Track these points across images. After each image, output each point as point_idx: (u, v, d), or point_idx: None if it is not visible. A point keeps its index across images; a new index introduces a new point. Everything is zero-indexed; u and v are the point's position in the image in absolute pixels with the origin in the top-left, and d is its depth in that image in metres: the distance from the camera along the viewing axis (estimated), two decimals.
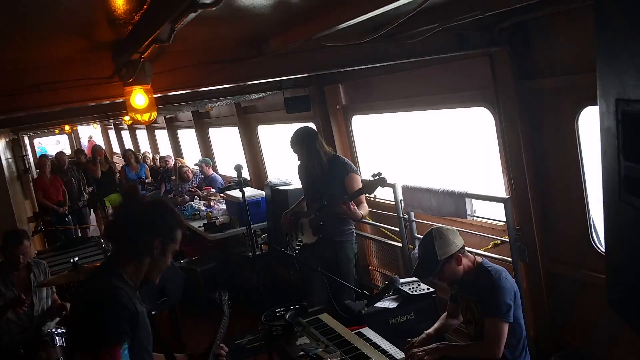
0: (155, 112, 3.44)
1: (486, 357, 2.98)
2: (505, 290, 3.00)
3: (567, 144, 3.49)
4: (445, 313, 3.50)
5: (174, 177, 10.65)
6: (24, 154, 8.36)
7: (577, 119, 3.40)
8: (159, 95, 3.54)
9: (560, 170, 3.62)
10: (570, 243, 3.69)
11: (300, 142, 4.58)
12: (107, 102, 3.64)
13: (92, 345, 2.05)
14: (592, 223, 3.52)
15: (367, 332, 3.41)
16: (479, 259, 3.22)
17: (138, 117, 3.36)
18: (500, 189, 4.20)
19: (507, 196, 3.93)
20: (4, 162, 6.37)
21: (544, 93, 3.58)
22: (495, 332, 2.97)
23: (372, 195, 4.24)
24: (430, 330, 3.38)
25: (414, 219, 4.95)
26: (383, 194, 5.33)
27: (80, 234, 9.17)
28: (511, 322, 3.00)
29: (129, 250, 2.23)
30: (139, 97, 3.16)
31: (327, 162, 4.57)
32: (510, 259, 3.91)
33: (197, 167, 9.51)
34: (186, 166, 9.69)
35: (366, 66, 3.88)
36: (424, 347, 3.01)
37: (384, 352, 3.10)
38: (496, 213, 4.20)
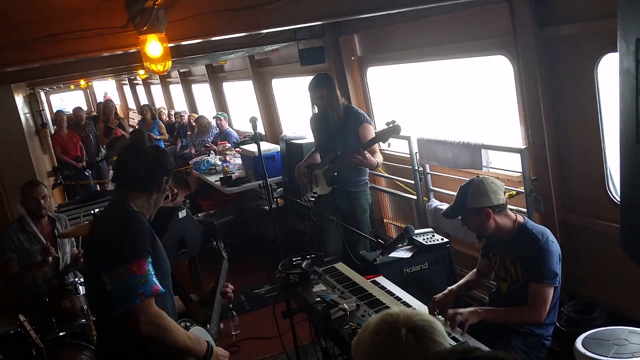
0: (170, 62, 3.42)
1: (531, 321, 2.94)
2: (552, 255, 2.90)
3: (586, 93, 3.43)
4: (475, 270, 3.41)
5: (189, 132, 10.69)
6: (41, 108, 8.39)
7: (597, 67, 3.33)
8: (172, 44, 3.52)
9: (578, 120, 3.57)
10: (586, 193, 3.67)
11: (322, 84, 4.52)
12: (122, 51, 3.63)
13: (120, 261, 2.21)
14: (608, 173, 3.49)
15: (382, 280, 3.45)
16: (521, 218, 3.08)
17: (153, 66, 3.35)
18: (516, 139, 4.16)
19: (524, 146, 3.90)
20: (22, 117, 6.41)
21: (564, 40, 3.50)
22: (541, 297, 2.89)
23: (386, 143, 4.20)
24: (454, 286, 3.31)
25: (429, 171, 4.94)
26: (398, 147, 5.31)
27: (99, 189, 9.29)
28: (557, 286, 2.93)
29: (139, 187, 2.43)
30: (153, 45, 3.14)
31: (342, 112, 4.55)
32: (525, 210, 3.90)
33: (213, 120, 9.55)
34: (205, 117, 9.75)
35: (382, 12, 3.80)
36: (462, 310, 2.89)
37: (398, 299, 3.14)
38: (512, 164, 4.18)
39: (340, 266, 3.65)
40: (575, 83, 3.51)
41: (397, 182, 5.49)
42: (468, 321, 2.81)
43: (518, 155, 3.89)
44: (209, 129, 9.61)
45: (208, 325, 2.70)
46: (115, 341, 2.38)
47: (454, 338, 2.67)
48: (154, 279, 2.25)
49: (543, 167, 3.79)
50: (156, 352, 2.30)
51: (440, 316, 2.94)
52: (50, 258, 4.34)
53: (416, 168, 4.98)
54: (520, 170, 3.92)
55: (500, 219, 3.02)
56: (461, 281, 3.40)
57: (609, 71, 3.30)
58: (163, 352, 2.31)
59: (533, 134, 3.80)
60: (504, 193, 3.11)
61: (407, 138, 4.96)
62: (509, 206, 3.91)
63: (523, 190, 3.92)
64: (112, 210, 2.49)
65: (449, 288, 3.27)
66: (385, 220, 6.00)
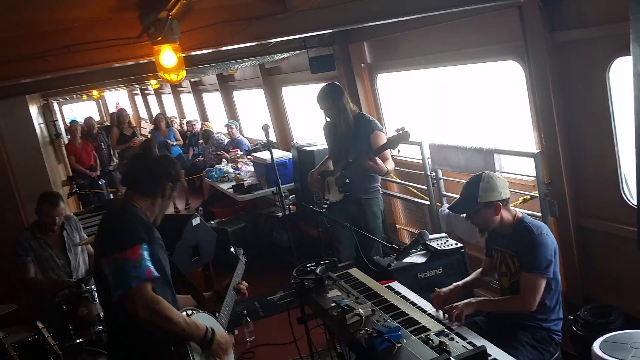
0: (184, 72, 3.46)
1: (520, 309, 3.00)
2: (546, 246, 2.98)
3: (598, 96, 3.43)
4: (480, 269, 3.48)
5: (201, 141, 10.77)
6: (55, 119, 8.49)
7: (609, 71, 3.33)
8: (185, 54, 3.56)
9: (591, 123, 3.56)
10: (600, 197, 3.66)
11: (328, 96, 4.56)
12: (136, 62, 3.68)
13: (116, 247, 2.37)
14: (623, 176, 3.48)
15: (397, 286, 3.45)
16: (520, 214, 3.18)
17: (167, 76, 3.39)
18: (529, 144, 4.16)
19: (537, 151, 3.90)
20: (37, 127, 6.51)
21: (575, 44, 3.51)
22: (532, 286, 2.96)
23: (395, 149, 4.24)
24: (460, 282, 3.38)
25: (441, 176, 4.95)
26: (410, 153, 5.32)
27: (112, 197, 9.37)
28: (550, 278, 2.98)
29: (144, 191, 2.60)
30: (167, 55, 3.18)
31: (353, 120, 4.57)
32: (540, 214, 3.90)
33: (225, 129, 9.64)
34: (216, 132, 9.86)
35: (391, 20, 3.83)
36: (457, 303, 2.99)
37: (413, 304, 3.14)
38: (525, 169, 4.18)
39: (355, 272, 3.65)
40: (587, 87, 3.51)
41: (410, 188, 5.50)
42: (463, 312, 2.93)
43: (531, 160, 3.89)
44: (216, 140, 9.73)
45: (217, 314, 2.81)
46: (116, 326, 2.54)
47: (457, 333, 2.70)
48: (148, 263, 2.37)
49: (557, 171, 3.78)
50: (157, 336, 2.41)
51: (440, 311, 3.04)
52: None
53: (428, 173, 4.98)
54: (534, 175, 3.91)
55: (504, 214, 3.13)
56: (467, 278, 3.49)
57: (620, 75, 3.29)
58: (163, 336, 2.42)
59: (546, 138, 3.80)
60: (508, 188, 3.19)
61: (419, 144, 4.97)
62: (524, 211, 3.94)
63: (537, 195, 3.91)
64: (114, 205, 2.65)
65: (455, 284, 3.34)
66: (398, 226, 6.00)
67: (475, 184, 3.13)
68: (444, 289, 3.26)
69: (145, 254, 2.39)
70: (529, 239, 3.02)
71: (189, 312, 2.64)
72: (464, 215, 3.31)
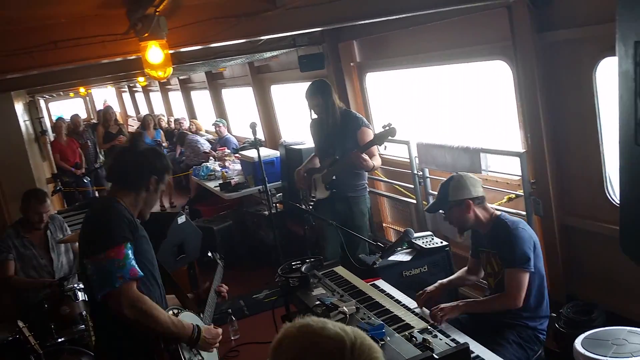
0: (171, 69, 3.43)
1: (507, 307, 3.01)
2: (523, 240, 3.01)
3: (584, 96, 3.46)
4: (465, 268, 3.51)
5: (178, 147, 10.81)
6: (41, 116, 8.42)
7: (595, 71, 3.36)
8: (173, 51, 3.54)
9: (577, 123, 3.60)
10: (585, 196, 3.69)
11: (318, 93, 4.56)
12: (122, 58, 3.65)
13: (100, 248, 2.34)
14: (607, 176, 3.51)
15: (382, 283, 3.46)
16: (497, 212, 3.21)
17: (154, 73, 3.36)
18: (516, 144, 4.19)
19: (523, 150, 3.93)
20: (22, 124, 6.44)
21: (563, 45, 3.54)
22: (515, 281, 2.98)
23: (382, 146, 4.26)
24: (444, 280, 3.40)
25: (428, 175, 4.97)
26: (397, 151, 5.34)
27: (97, 195, 9.30)
28: (532, 272, 3.01)
29: (128, 185, 2.55)
30: (154, 52, 3.16)
31: (339, 116, 4.58)
32: (524, 213, 3.92)
33: (213, 127, 9.64)
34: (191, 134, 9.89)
35: (381, 19, 3.83)
36: (444, 305, 3.00)
37: (397, 302, 3.15)
38: (511, 168, 4.21)
39: (340, 270, 3.66)
40: (574, 87, 3.54)
41: (397, 187, 5.51)
42: (447, 315, 2.94)
43: (517, 159, 3.92)
44: (190, 142, 9.76)
45: (201, 315, 2.83)
46: (104, 325, 2.52)
47: (440, 331, 2.72)
48: (133, 262, 2.35)
49: (542, 170, 3.81)
50: (143, 335, 2.41)
51: (425, 309, 3.06)
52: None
53: (415, 172, 5.00)
54: (519, 174, 3.94)
55: (479, 212, 3.16)
56: (452, 276, 3.51)
57: (607, 75, 3.33)
58: (150, 336, 2.42)
59: (532, 138, 3.83)
60: (481, 187, 3.22)
61: (407, 142, 4.99)
62: (506, 209, 3.97)
63: (522, 194, 3.94)
64: (98, 203, 2.65)
65: (440, 282, 3.37)
66: (384, 224, 6.02)
67: (446, 184, 3.21)
68: (429, 287, 3.28)
69: (130, 253, 2.37)
70: (505, 234, 3.05)
71: (175, 310, 2.64)
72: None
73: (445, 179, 4.64)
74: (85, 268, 2.39)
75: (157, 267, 2.64)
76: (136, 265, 2.37)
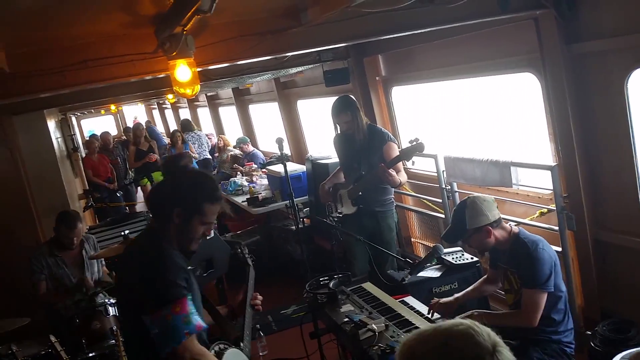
0: (199, 86, 3.48)
1: (521, 325, 2.98)
2: (543, 261, 2.96)
3: (616, 108, 3.39)
4: (484, 277, 3.50)
5: (217, 154, 10.82)
6: (73, 133, 8.62)
7: (627, 82, 3.29)
8: (200, 69, 3.59)
9: (609, 135, 3.52)
10: (619, 210, 3.60)
11: (347, 109, 4.52)
12: (151, 77, 3.72)
13: (162, 302, 2.19)
14: None
15: (411, 300, 3.42)
16: (515, 229, 3.16)
17: (182, 90, 3.41)
18: (546, 157, 4.11)
19: (554, 163, 3.85)
20: (55, 141, 6.60)
21: (592, 56, 3.48)
22: (532, 301, 2.95)
23: (409, 161, 4.21)
24: (460, 294, 3.40)
25: (456, 189, 4.91)
26: (425, 165, 5.29)
27: (128, 211, 9.44)
28: (551, 292, 2.97)
29: (155, 218, 2.43)
30: (182, 70, 3.21)
31: (366, 131, 4.57)
32: (557, 228, 3.84)
33: (237, 150, 9.69)
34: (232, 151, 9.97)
35: (406, 33, 3.82)
36: (461, 315, 2.99)
37: (428, 319, 3.11)
38: (542, 182, 4.13)
39: (368, 286, 3.63)
40: (604, 99, 3.47)
41: (425, 201, 5.46)
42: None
43: (548, 173, 3.84)
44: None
45: (242, 344, 2.73)
46: (134, 347, 2.43)
47: None
48: (197, 316, 2.26)
49: (574, 184, 3.73)
50: None
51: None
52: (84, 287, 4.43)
53: (444, 186, 4.95)
54: (551, 188, 3.86)
55: (498, 234, 3.12)
56: (468, 289, 3.48)
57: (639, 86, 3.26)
58: None
59: (563, 151, 3.76)
60: (496, 208, 3.17)
61: (434, 156, 4.94)
62: (538, 224, 3.89)
63: (554, 208, 3.85)
64: (145, 246, 2.41)
65: (455, 295, 3.37)
66: (412, 239, 5.96)
67: (461, 212, 3.15)
68: (444, 299, 3.30)
69: (192, 305, 2.26)
70: (525, 255, 3.01)
71: (221, 346, 2.56)
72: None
73: (475, 193, 4.62)
74: (147, 326, 2.21)
75: (200, 295, 2.55)
76: (199, 318, 2.28)
